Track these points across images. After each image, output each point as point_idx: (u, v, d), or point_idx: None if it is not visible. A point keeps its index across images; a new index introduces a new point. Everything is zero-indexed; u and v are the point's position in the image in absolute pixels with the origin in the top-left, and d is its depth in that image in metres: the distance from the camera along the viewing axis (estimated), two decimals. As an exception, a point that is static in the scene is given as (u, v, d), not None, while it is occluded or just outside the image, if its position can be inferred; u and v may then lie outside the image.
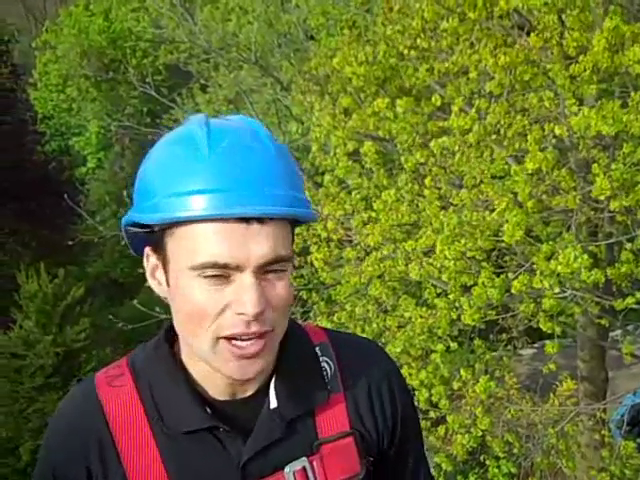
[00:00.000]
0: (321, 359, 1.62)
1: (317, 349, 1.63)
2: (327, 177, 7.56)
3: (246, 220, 1.37)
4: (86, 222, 13.02)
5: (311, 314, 8.67)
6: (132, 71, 12.90)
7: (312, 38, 10.93)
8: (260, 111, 12.07)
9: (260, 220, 1.38)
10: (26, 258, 17.83)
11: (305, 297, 8.80)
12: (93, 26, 25.91)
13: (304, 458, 1.56)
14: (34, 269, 15.82)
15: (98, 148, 26.86)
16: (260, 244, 1.38)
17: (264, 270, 1.40)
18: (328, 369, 1.61)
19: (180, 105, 15.36)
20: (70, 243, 15.13)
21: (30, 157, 20.62)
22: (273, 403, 1.54)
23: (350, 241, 7.50)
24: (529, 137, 4.98)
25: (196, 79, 15.97)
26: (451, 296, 6.23)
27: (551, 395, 7.49)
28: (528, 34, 5.45)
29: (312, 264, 7.71)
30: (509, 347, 10.01)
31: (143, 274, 1.54)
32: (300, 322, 1.80)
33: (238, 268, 1.38)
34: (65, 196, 12.27)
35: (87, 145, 26.86)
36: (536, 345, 12.75)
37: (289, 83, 9.95)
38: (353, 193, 7.41)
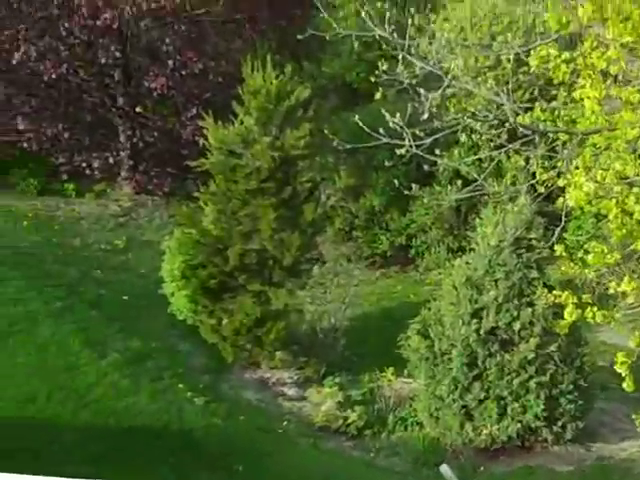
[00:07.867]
0: None
1: None
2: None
3: None
4: (325, 16, 11.39)
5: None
6: None
7: None
8: None
9: None
10: (261, 49, 16.72)
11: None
12: None
13: None
14: (261, 62, 14.46)
15: None
16: None
17: None
18: None
19: None
20: (302, 37, 13.55)
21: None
22: None
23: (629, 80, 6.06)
24: None
25: None
26: None
27: None
28: None
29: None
30: None
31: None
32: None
33: None
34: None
35: None
36: None
37: None
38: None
